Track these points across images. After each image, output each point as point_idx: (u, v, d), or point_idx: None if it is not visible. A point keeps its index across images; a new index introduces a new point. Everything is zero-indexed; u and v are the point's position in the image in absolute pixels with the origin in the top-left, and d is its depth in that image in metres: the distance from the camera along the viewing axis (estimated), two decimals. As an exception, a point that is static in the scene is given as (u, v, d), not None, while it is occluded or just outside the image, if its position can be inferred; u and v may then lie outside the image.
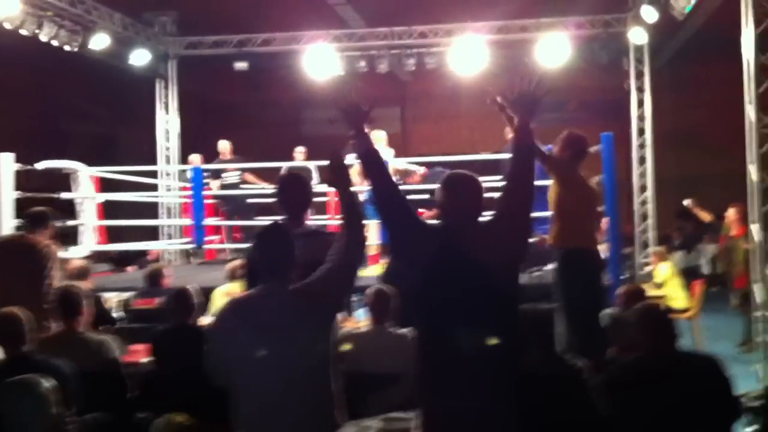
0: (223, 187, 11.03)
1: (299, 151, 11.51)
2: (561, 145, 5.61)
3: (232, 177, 11.14)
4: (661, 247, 10.34)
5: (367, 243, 3.51)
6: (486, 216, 3.36)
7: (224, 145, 11.27)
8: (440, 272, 3.20)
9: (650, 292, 8.78)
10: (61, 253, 9.94)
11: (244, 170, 11.28)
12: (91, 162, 10.17)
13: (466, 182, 3.41)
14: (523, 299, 3.58)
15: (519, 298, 3.41)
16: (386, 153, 9.18)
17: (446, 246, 3.24)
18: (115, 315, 6.26)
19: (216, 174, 11.15)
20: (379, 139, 9.39)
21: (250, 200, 11.21)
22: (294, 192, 4.16)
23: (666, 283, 9.55)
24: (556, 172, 5.49)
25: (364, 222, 3.49)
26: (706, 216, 10.15)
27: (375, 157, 3.43)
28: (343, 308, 3.49)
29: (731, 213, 9.31)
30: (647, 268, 10.60)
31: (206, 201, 10.53)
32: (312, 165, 11.02)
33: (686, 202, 10.02)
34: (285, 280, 3.20)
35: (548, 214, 5.72)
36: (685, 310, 9.18)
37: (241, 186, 11.17)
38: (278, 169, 11.16)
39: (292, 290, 3.18)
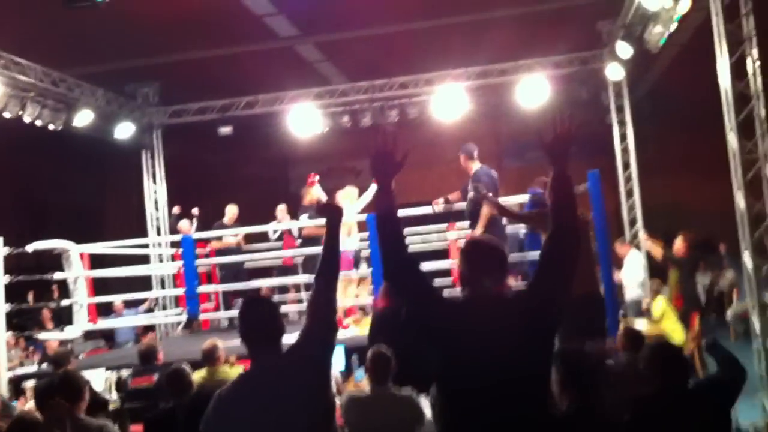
0: (221, 251, 10.97)
1: (281, 209, 11.49)
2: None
3: (230, 240, 11.12)
4: (656, 281, 10.30)
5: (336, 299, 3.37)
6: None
7: (232, 210, 11.23)
8: (466, 352, 2.92)
9: (648, 328, 8.77)
10: (56, 334, 9.96)
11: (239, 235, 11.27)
12: (78, 236, 10.15)
13: (488, 251, 3.12)
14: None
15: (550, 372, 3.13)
16: (351, 208, 8.92)
17: (470, 322, 2.97)
18: (113, 395, 6.17)
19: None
20: (349, 195, 9.22)
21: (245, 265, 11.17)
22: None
23: (663, 318, 9.48)
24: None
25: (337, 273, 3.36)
26: (657, 251, 10.03)
27: (393, 220, 3.12)
28: (329, 366, 3.31)
29: (678, 240, 9.64)
30: (644, 304, 10.51)
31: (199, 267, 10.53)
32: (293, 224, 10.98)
33: (640, 234, 10.09)
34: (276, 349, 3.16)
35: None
36: (684, 344, 9.11)
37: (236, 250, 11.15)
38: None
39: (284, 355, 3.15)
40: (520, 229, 8.79)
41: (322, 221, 3.52)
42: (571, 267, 3.09)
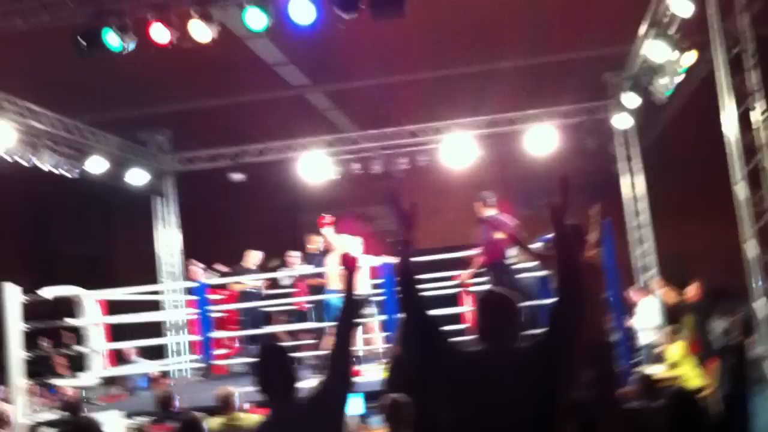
0: (244, 295, 11.00)
1: (293, 256, 11.52)
2: None
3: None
4: (672, 326, 10.29)
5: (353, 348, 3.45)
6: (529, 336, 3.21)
7: (258, 256, 11.25)
8: (479, 404, 3.02)
9: (664, 373, 8.72)
10: (73, 381, 9.98)
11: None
12: (90, 283, 10.20)
13: (503, 306, 3.23)
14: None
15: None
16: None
17: (484, 376, 3.06)
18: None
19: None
20: (343, 244, 9.26)
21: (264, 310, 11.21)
22: None
23: (679, 363, 9.44)
24: None
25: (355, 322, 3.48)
26: (671, 296, 10.12)
27: (412, 278, 3.25)
28: (344, 415, 3.38)
29: (692, 288, 9.63)
30: (658, 349, 10.49)
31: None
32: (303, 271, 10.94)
33: (654, 281, 10.12)
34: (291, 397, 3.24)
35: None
36: (701, 389, 9.04)
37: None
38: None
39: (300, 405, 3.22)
40: (536, 273, 8.86)
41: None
42: (578, 329, 3.20)
